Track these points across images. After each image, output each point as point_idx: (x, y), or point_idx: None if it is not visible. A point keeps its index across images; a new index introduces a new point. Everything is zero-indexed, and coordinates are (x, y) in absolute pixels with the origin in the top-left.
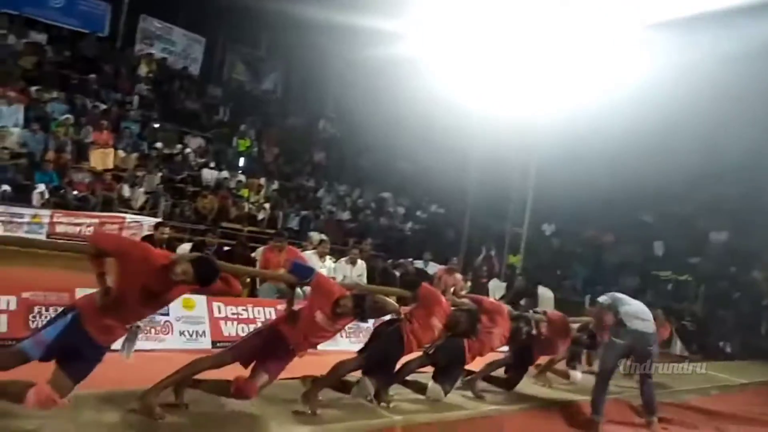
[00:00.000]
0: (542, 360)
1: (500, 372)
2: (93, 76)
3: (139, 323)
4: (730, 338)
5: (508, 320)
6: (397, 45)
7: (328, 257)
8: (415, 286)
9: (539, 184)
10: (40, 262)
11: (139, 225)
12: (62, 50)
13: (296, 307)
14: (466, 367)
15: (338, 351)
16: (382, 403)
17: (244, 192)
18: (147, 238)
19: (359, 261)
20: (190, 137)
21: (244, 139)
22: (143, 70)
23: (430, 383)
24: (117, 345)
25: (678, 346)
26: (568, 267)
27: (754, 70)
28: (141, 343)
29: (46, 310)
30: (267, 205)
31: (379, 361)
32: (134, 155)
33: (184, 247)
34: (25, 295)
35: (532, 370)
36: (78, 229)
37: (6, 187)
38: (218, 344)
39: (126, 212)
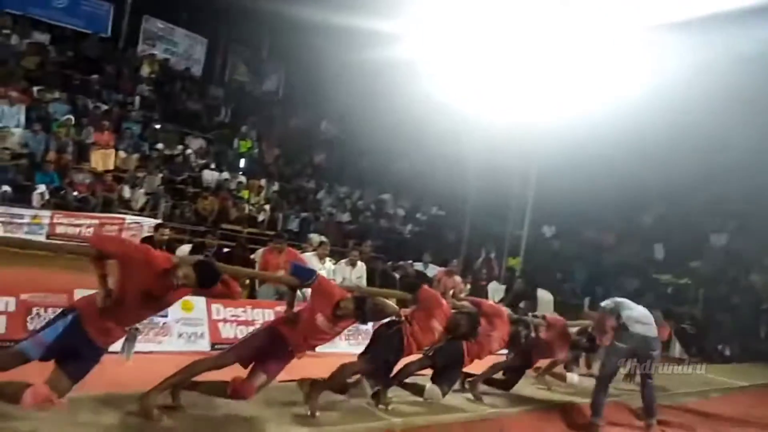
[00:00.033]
0: (542, 363)
1: (498, 374)
2: (95, 76)
3: (137, 325)
4: (729, 341)
5: (508, 324)
6: (399, 47)
7: (327, 259)
8: (414, 288)
9: (539, 186)
10: (40, 263)
11: (139, 226)
12: (65, 50)
13: (296, 308)
14: (464, 369)
15: (337, 353)
16: (381, 406)
17: (245, 193)
18: (147, 240)
19: (359, 263)
20: (191, 138)
21: (245, 141)
22: (145, 70)
23: (428, 384)
24: (116, 347)
25: (677, 349)
26: (567, 270)
27: (753, 73)
28: (139, 345)
29: (45, 312)
30: (267, 207)
31: (380, 363)
32: (135, 156)
33: (184, 249)
34: (23, 296)
35: (531, 372)
36: (78, 230)
37: (6, 188)
38: (217, 346)
39: (126, 213)
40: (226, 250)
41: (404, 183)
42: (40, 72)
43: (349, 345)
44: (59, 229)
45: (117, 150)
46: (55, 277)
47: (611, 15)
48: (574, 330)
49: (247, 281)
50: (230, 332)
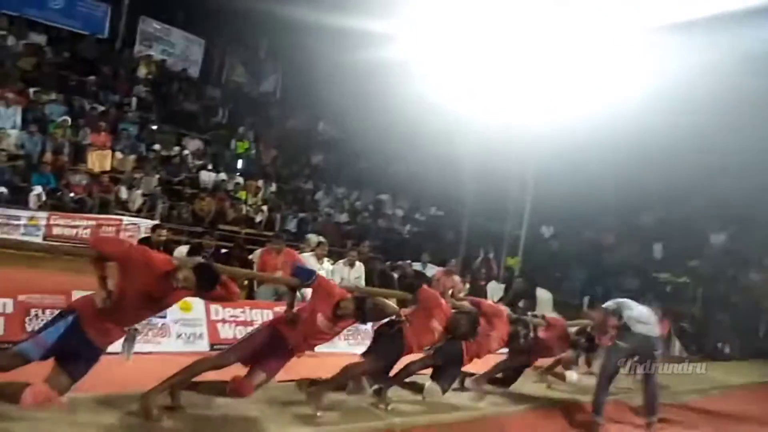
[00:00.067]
0: (543, 362)
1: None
2: (92, 77)
3: (136, 326)
4: (729, 339)
5: (507, 324)
6: (398, 48)
7: (326, 259)
8: (414, 288)
9: (538, 186)
10: (37, 265)
11: (136, 227)
12: (61, 51)
13: (295, 308)
14: (463, 369)
15: (336, 353)
16: (381, 405)
17: (242, 194)
18: (144, 241)
19: (357, 263)
20: (188, 139)
21: (242, 141)
22: (142, 71)
23: (428, 383)
24: (116, 347)
25: (677, 348)
26: (566, 269)
27: (755, 73)
28: (138, 346)
29: (43, 313)
30: (265, 208)
31: (385, 363)
32: (132, 157)
33: (182, 250)
34: (21, 297)
35: (531, 371)
36: (75, 231)
37: (2, 189)
38: (216, 347)
39: (123, 214)
40: (223, 250)
41: (402, 183)
42: (37, 73)
43: (348, 345)
44: (56, 231)
45: (114, 151)
46: (52, 279)
47: (611, 15)
48: (573, 330)
49: (246, 282)
50: (229, 333)
